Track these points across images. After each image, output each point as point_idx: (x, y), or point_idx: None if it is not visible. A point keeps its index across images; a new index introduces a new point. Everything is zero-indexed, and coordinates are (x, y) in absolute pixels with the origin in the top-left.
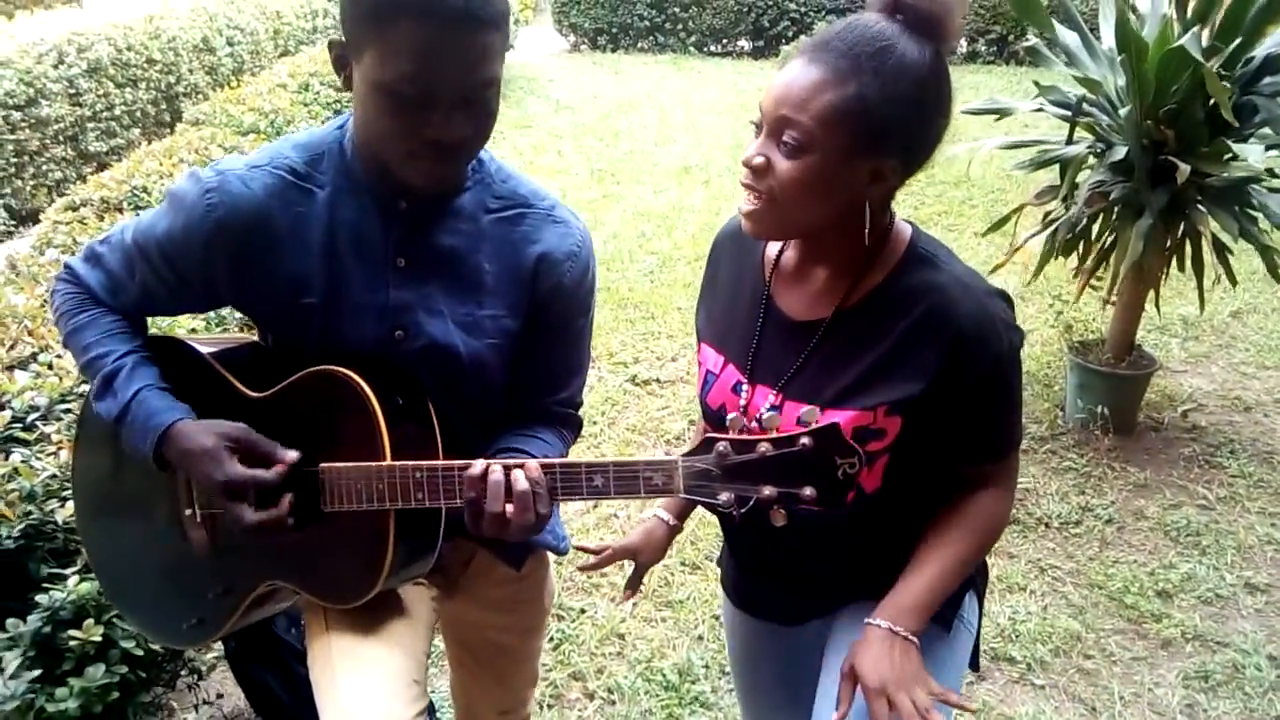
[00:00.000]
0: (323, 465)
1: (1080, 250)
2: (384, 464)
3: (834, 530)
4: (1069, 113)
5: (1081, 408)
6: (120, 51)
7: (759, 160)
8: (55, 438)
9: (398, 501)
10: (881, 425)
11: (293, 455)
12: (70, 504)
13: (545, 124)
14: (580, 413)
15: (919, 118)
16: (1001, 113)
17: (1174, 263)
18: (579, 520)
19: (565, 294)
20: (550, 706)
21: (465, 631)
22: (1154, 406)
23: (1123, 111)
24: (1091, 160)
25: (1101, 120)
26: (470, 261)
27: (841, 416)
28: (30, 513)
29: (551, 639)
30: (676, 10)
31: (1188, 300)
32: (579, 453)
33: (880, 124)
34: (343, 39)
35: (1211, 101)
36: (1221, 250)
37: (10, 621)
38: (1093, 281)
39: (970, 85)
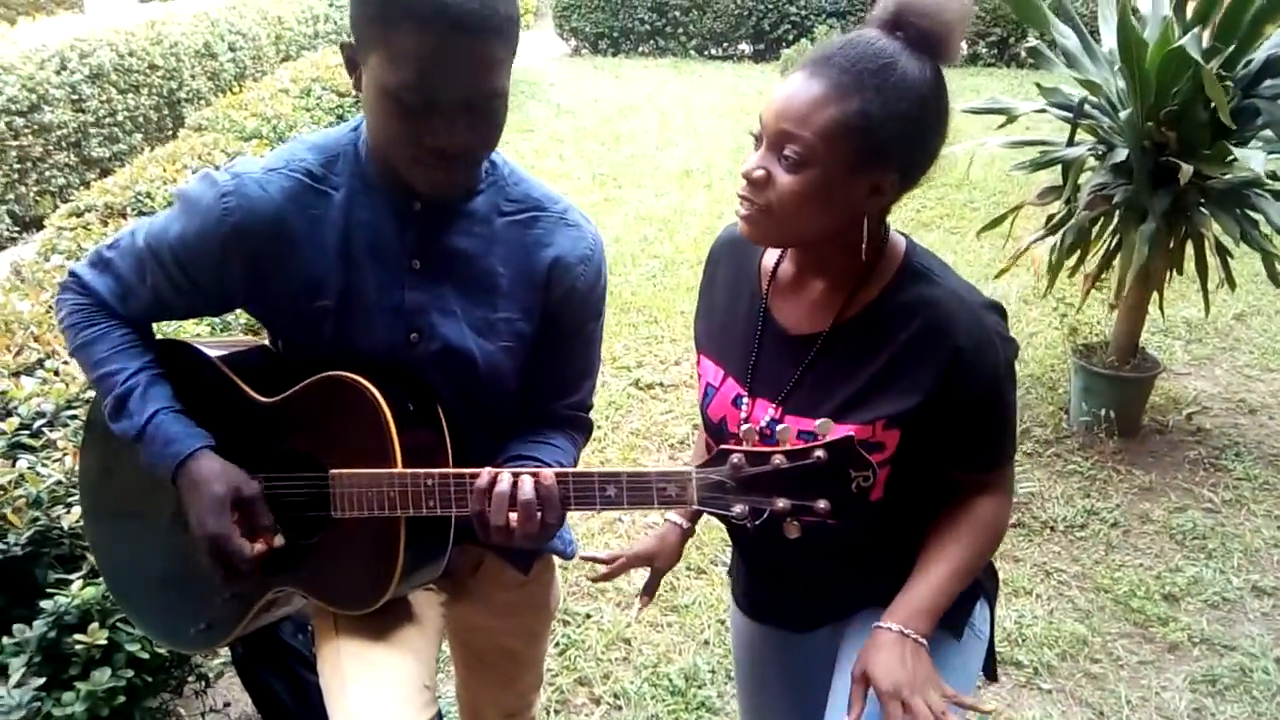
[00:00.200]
0: (333, 472)
1: (1081, 253)
2: (395, 471)
3: (841, 538)
4: (1070, 114)
5: (1086, 411)
6: (122, 57)
7: (759, 173)
8: (61, 444)
9: (409, 509)
10: (881, 439)
11: (276, 543)
12: (76, 509)
13: (546, 128)
14: (590, 415)
15: (919, 134)
16: (1004, 113)
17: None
18: (584, 524)
19: (578, 298)
20: (556, 712)
21: (471, 635)
22: (1158, 409)
23: (1123, 114)
24: (1092, 162)
25: (1103, 122)
26: (484, 264)
27: (840, 431)
28: (37, 519)
29: (557, 644)
30: (677, 14)
31: (1191, 303)
32: (582, 457)
33: (882, 140)
34: (352, 41)
35: (1213, 104)
36: (1223, 253)
37: (16, 627)
38: (1096, 284)
39: (971, 88)
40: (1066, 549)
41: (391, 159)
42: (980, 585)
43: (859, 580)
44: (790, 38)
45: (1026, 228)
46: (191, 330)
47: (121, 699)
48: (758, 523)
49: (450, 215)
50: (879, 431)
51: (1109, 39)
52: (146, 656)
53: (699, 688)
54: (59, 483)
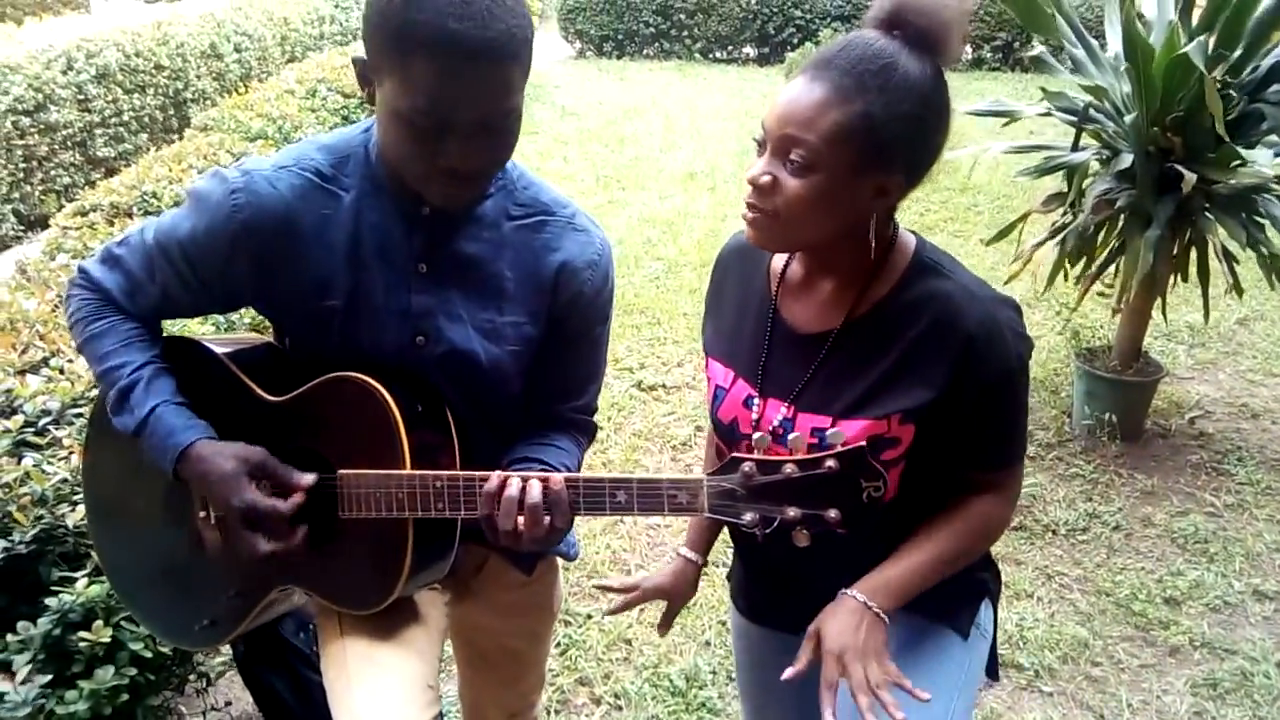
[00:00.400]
0: (341, 472)
1: (1086, 258)
2: (404, 472)
3: (849, 541)
4: (1075, 118)
5: (1089, 414)
6: (128, 57)
7: (765, 179)
8: (67, 442)
9: (416, 511)
10: (896, 434)
11: (309, 479)
12: (81, 508)
13: (551, 130)
14: (594, 418)
15: (922, 133)
16: (1008, 116)
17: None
18: (585, 525)
19: (585, 302)
20: (557, 712)
21: (474, 635)
22: (1161, 413)
23: (1128, 119)
24: (1097, 167)
25: (1108, 127)
26: (491, 268)
27: (855, 426)
28: (42, 517)
29: (559, 645)
30: (682, 17)
31: (1194, 307)
32: (585, 459)
33: (886, 141)
34: (365, 58)
35: None
36: (1229, 258)
37: (21, 625)
38: (1101, 289)
39: (976, 92)
40: (1068, 552)
41: (404, 174)
42: (986, 586)
43: None
44: (795, 41)
45: (1031, 231)
46: (196, 329)
47: (124, 697)
48: (768, 531)
49: (458, 220)
50: (894, 426)
51: (1114, 44)
52: (149, 655)
53: (700, 688)
54: (64, 481)
